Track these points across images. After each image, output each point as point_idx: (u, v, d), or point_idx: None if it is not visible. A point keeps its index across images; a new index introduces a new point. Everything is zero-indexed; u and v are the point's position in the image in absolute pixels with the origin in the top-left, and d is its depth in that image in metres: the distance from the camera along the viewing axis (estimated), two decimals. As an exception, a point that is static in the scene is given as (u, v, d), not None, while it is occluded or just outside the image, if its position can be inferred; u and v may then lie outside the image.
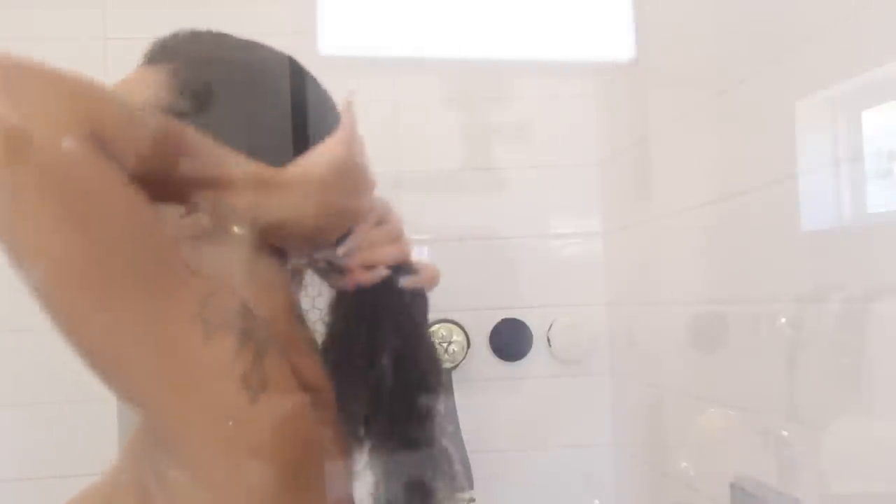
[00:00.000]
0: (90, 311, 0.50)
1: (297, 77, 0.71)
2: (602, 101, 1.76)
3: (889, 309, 0.82)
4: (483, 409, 1.72)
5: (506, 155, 1.75)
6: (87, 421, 1.57)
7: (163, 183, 0.54)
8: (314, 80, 0.71)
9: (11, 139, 0.47)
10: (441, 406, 0.70)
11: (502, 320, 1.73)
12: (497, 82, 1.75)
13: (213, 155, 0.58)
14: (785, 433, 1.00)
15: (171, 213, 0.60)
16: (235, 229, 0.63)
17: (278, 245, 0.64)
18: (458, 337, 1.69)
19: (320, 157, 0.63)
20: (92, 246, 0.49)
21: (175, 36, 0.71)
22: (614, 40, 1.55)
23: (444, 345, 1.69)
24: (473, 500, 1.63)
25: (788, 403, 1.01)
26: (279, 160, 0.62)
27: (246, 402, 0.52)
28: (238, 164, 0.60)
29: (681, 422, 1.39)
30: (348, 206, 0.64)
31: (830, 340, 0.92)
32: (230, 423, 0.52)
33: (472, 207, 1.74)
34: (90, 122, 0.49)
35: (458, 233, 1.73)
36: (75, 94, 0.50)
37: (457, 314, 1.71)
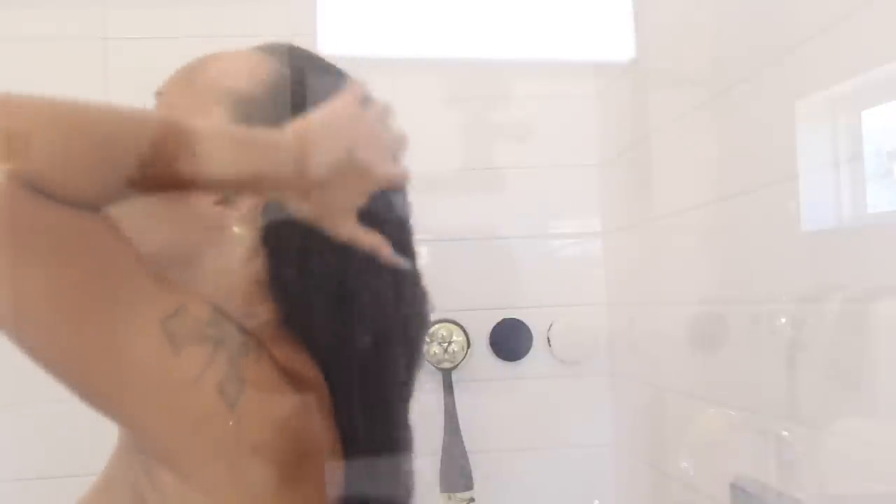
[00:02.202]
0: (54, 342, 0.52)
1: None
2: (602, 101, 1.76)
3: (889, 309, 0.82)
4: (483, 409, 1.72)
5: (506, 155, 1.75)
6: (86, 421, 1.56)
7: (162, 177, 0.54)
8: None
9: None
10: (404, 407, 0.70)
11: (502, 320, 1.73)
12: (497, 82, 1.75)
13: (212, 140, 0.58)
14: (785, 433, 1.00)
15: (202, 202, 0.60)
16: (236, 229, 0.63)
17: (311, 211, 0.61)
18: (458, 337, 1.69)
19: (319, 112, 0.62)
20: (41, 277, 0.50)
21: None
22: (614, 40, 1.55)
23: (444, 345, 1.69)
24: (473, 500, 1.63)
25: (788, 403, 1.01)
26: None
27: (225, 409, 0.53)
28: (234, 134, 0.59)
29: (681, 422, 1.39)
30: (360, 161, 0.62)
31: (830, 340, 0.92)
32: (212, 433, 0.53)
33: (472, 207, 1.74)
34: (20, 160, 0.49)
35: (458, 233, 1.73)
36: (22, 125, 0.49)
37: (457, 314, 1.71)
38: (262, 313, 0.64)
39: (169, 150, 0.53)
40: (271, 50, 0.69)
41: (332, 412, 0.63)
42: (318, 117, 0.61)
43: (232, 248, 0.63)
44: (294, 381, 0.59)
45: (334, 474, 0.61)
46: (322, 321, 0.64)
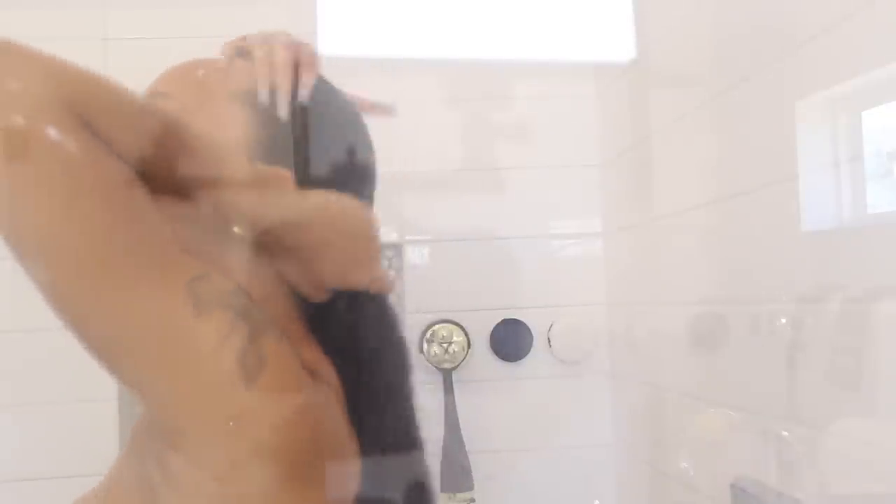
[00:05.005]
0: (83, 292, 0.51)
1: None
2: (602, 101, 1.76)
3: (889, 309, 0.82)
4: (483, 409, 1.72)
5: (506, 155, 1.75)
6: (87, 421, 1.57)
7: (163, 174, 0.54)
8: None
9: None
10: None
11: (502, 320, 1.73)
12: (497, 82, 1.75)
13: (211, 150, 0.58)
14: (785, 433, 1.00)
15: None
16: (234, 227, 0.63)
17: (279, 266, 0.63)
18: (458, 337, 1.69)
19: (337, 197, 0.63)
20: (78, 223, 0.49)
21: None
22: (614, 40, 1.55)
23: (445, 345, 1.69)
24: (473, 500, 1.63)
25: (788, 403, 1.01)
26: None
27: (243, 384, 0.52)
28: (235, 162, 0.60)
29: (681, 422, 1.39)
30: (348, 257, 0.63)
31: (830, 340, 0.92)
32: (229, 411, 0.52)
33: (472, 207, 1.74)
34: (73, 104, 0.49)
35: (458, 233, 1.73)
36: (57, 74, 0.49)
37: (457, 314, 1.71)
38: (283, 307, 0.64)
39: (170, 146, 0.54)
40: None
41: (345, 410, 0.63)
42: (341, 206, 0.63)
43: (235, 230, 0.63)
44: (311, 374, 0.59)
45: (349, 472, 0.61)
46: (341, 319, 0.65)
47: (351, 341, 0.65)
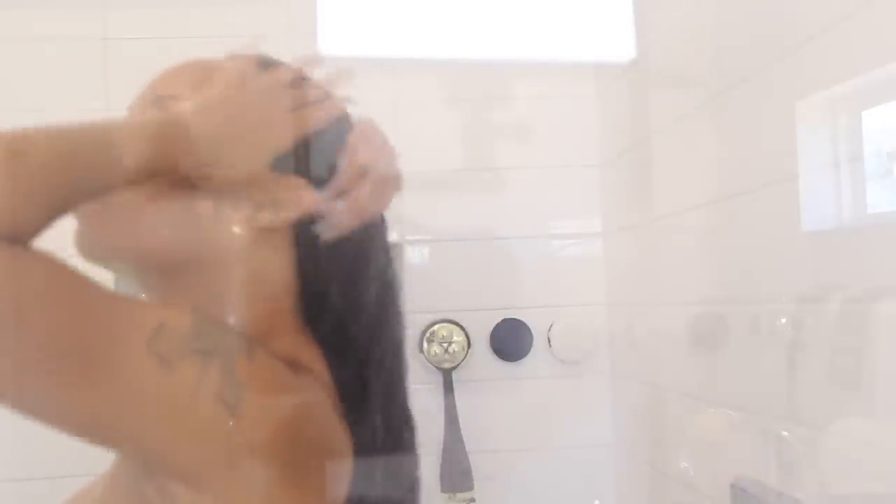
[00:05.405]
0: (55, 397, 0.51)
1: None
2: (602, 101, 1.76)
3: (889, 309, 0.82)
4: (483, 409, 1.72)
5: (506, 155, 1.75)
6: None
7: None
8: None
9: None
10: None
11: (502, 320, 1.73)
12: (497, 82, 1.75)
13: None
14: (785, 433, 1.00)
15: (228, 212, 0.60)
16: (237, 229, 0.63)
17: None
18: (458, 337, 1.69)
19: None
20: (37, 339, 0.49)
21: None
22: (614, 40, 1.55)
23: (445, 345, 1.69)
24: (473, 500, 1.63)
25: (788, 403, 1.01)
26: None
27: (226, 417, 0.53)
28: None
29: (681, 422, 1.39)
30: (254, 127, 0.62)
31: (830, 341, 0.92)
32: (219, 444, 0.53)
33: (472, 207, 1.74)
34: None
35: (458, 233, 1.73)
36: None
37: (457, 314, 1.71)
38: (276, 304, 0.63)
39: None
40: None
41: (340, 407, 0.63)
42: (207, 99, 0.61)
43: (231, 229, 0.62)
44: (301, 372, 0.59)
45: (345, 470, 0.61)
46: (336, 314, 0.65)
47: (344, 338, 0.65)
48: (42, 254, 0.51)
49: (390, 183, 0.67)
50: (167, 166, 0.57)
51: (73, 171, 0.53)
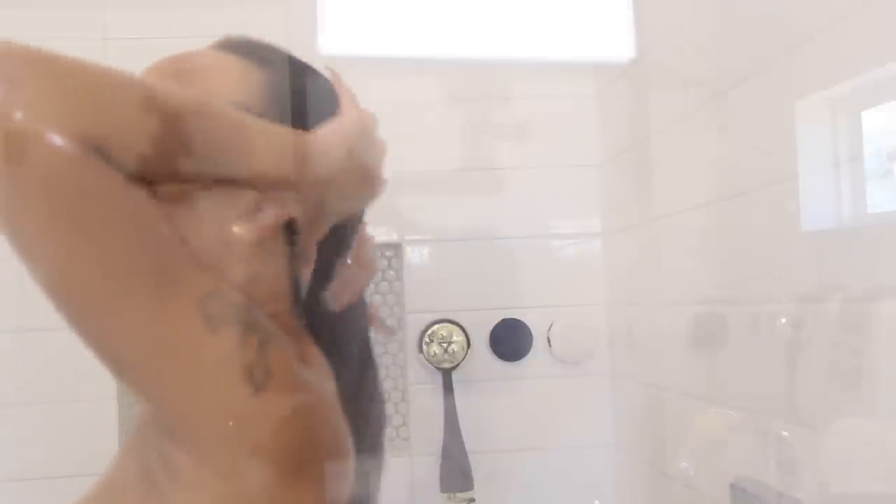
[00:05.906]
0: (95, 311, 0.52)
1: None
2: (602, 101, 1.76)
3: (889, 309, 0.82)
4: (483, 409, 1.72)
5: (506, 155, 1.75)
6: (86, 421, 1.57)
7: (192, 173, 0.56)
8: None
9: (6, 139, 0.47)
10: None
11: (502, 320, 1.73)
12: (497, 82, 1.75)
13: (240, 128, 0.59)
14: (785, 433, 1.00)
15: (230, 214, 0.61)
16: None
17: (311, 217, 0.65)
18: (458, 337, 1.69)
19: (340, 124, 0.65)
20: (92, 248, 0.50)
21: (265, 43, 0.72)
22: (614, 40, 1.55)
23: (444, 345, 1.69)
24: (473, 500, 1.63)
25: (788, 403, 1.01)
26: None
27: (250, 394, 0.53)
28: (266, 131, 0.60)
29: (681, 422, 1.39)
30: (369, 171, 0.67)
31: (830, 340, 0.92)
32: (235, 416, 0.53)
33: (472, 207, 1.74)
34: (86, 122, 0.50)
35: (458, 233, 1.73)
36: (72, 90, 0.50)
37: (457, 314, 1.71)
38: (276, 305, 0.64)
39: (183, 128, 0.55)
40: (246, 51, 0.70)
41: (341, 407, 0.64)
42: (340, 125, 0.65)
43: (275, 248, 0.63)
44: (315, 374, 0.61)
45: (346, 470, 0.61)
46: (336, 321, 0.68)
47: (339, 338, 0.67)
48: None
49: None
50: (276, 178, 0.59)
51: (204, 147, 0.55)
